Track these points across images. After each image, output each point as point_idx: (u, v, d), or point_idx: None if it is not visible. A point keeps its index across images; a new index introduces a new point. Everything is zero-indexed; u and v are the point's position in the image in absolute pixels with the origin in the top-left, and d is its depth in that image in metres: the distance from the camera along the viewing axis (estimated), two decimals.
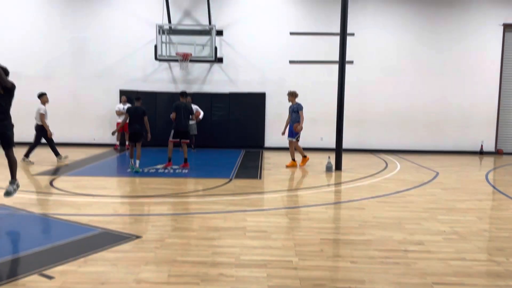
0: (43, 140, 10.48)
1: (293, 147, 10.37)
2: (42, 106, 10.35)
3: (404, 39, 13.97)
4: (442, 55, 13.99)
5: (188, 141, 9.79)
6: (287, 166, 10.23)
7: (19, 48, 13.78)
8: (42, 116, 10.16)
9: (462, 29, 13.93)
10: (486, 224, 5.69)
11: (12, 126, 5.85)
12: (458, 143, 14.18)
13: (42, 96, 10.52)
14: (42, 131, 10.29)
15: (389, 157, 12.73)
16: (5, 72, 5.78)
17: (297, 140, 10.27)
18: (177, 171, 9.33)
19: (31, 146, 10.27)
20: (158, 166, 9.65)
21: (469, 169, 10.70)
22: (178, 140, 9.54)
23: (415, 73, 14.03)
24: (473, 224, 5.57)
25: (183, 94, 9.88)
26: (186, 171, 9.30)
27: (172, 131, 9.49)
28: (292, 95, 10.25)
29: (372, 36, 13.89)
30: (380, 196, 7.21)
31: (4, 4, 13.76)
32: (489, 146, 14.22)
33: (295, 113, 10.11)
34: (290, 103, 10.32)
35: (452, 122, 14.13)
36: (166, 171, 9.25)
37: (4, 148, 5.73)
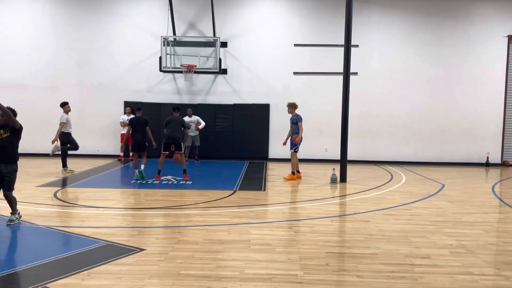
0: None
1: (296, 158, 10.27)
2: (65, 115, 10.58)
3: (408, 50, 13.99)
4: (447, 66, 13.98)
5: (181, 152, 9.65)
6: (285, 178, 10.12)
7: (26, 59, 13.93)
8: (61, 124, 10.45)
9: (467, 40, 13.94)
10: (493, 238, 5.61)
11: (16, 169, 5.81)
12: (463, 155, 14.09)
13: (64, 106, 10.79)
14: (68, 137, 10.60)
15: (394, 169, 12.67)
16: (14, 113, 5.89)
17: (295, 152, 10.12)
18: (181, 182, 9.32)
19: (64, 156, 10.69)
20: (162, 178, 9.64)
21: (475, 181, 10.61)
22: (167, 152, 9.54)
23: (420, 85, 14.02)
24: (480, 238, 5.50)
25: (175, 108, 10.04)
26: (190, 182, 9.29)
27: (162, 143, 9.57)
28: (292, 107, 10.17)
29: (376, 47, 13.93)
30: (385, 208, 7.15)
31: (11, 17, 13.93)
32: (495, 158, 14.12)
33: (295, 124, 10.05)
34: (290, 115, 10.24)
35: (457, 134, 14.07)
36: (170, 182, 9.25)
37: (4, 190, 5.71)
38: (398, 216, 6.63)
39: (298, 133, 9.99)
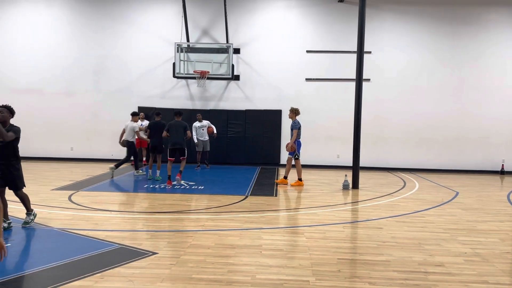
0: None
1: (299, 165, 10.08)
2: (136, 124, 10.98)
3: (421, 57, 13.90)
4: (460, 73, 13.85)
5: (185, 157, 9.67)
6: (292, 185, 10.00)
7: (43, 66, 14.21)
8: (137, 132, 10.88)
9: (480, 47, 13.80)
10: (509, 246, 5.51)
11: (18, 168, 5.71)
12: (478, 163, 13.90)
13: (134, 116, 11.22)
14: (131, 147, 10.85)
15: (407, 176, 12.55)
16: (11, 112, 5.71)
17: (296, 158, 9.93)
18: (193, 187, 9.37)
19: (124, 160, 10.99)
20: (174, 183, 9.70)
21: (489, 189, 10.45)
22: (173, 158, 9.59)
23: (433, 91, 13.90)
24: (495, 246, 5.41)
25: (177, 113, 9.99)
26: (180, 185, 9.49)
27: (168, 149, 9.65)
28: (293, 112, 10.00)
29: (389, 54, 13.87)
30: (398, 215, 7.09)
31: (28, 24, 14.24)
32: (511, 165, 13.89)
33: (292, 130, 9.98)
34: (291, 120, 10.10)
35: (471, 141, 13.89)
36: (182, 187, 9.31)
37: (14, 191, 5.74)
38: (411, 223, 6.56)
39: (294, 141, 9.82)
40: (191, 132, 11.58)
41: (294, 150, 9.87)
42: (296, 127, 9.86)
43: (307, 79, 13.95)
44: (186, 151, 9.72)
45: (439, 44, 13.87)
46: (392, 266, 4.54)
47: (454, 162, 13.91)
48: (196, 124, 12.76)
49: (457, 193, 9.55)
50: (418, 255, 4.96)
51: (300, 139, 10.10)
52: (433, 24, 13.87)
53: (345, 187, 9.70)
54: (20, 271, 4.14)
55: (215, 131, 12.90)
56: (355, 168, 9.90)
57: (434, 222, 6.68)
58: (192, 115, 13.91)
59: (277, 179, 10.57)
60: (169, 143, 9.67)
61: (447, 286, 4.04)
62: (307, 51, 13.95)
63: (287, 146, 9.92)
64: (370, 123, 13.38)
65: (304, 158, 14.04)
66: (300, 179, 10.06)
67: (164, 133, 9.66)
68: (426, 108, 13.89)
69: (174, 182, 9.61)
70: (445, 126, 13.89)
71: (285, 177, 10.16)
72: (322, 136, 14.06)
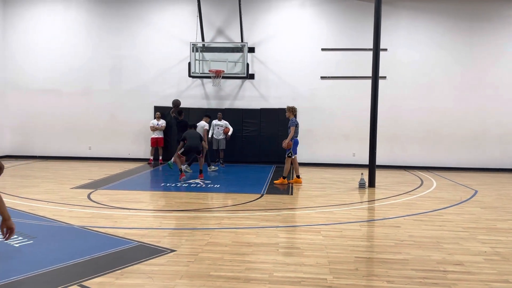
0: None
1: (296, 163, 10.10)
2: (206, 124, 11.88)
3: (439, 54, 13.71)
4: (479, 70, 13.61)
5: (201, 155, 10.46)
6: (289, 182, 10.01)
7: (61, 66, 14.47)
8: (205, 131, 11.63)
9: (499, 43, 13.53)
10: None
11: None
12: (497, 160, 13.65)
13: (205, 117, 12.23)
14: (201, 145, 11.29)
15: (424, 174, 12.41)
16: None
17: (289, 156, 9.90)
18: (209, 185, 9.44)
19: (193, 159, 11.63)
20: (191, 181, 9.80)
21: (509, 187, 10.26)
22: (184, 156, 10.24)
23: (451, 89, 13.70)
24: None
25: (192, 126, 10.78)
26: (203, 184, 9.60)
27: (183, 149, 10.10)
28: (289, 111, 10.04)
29: (405, 51, 13.72)
30: (416, 214, 7.02)
31: (47, 26, 14.51)
32: None
33: (289, 128, 9.93)
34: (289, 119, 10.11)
35: (490, 139, 13.65)
36: (199, 185, 9.39)
37: None
38: (430, 222, 6.50)
39: (290, 138, 9.79)
40: (207, 135, 12.34)
41: (290, 147, 9.84)
42: (293, 124, 9.86)
43: (322, 77, 13.90)
44: (201, 151, 10.34)
45: (456, 41, 13.66)
46: (410, 265, 4.51)
47: (473, 160, 13.69)
48: (215, 122, 12.97)
49: (476, 192, 9.41)
50: (437, 254, 4.92)
51: (298, 137, 10.14)
52: (450, 20, 13.66)
53: (362, 185, 9.65)
54: (42, 267, 4.24)
55: (229, 133, 13.05)
56: (372, 166, 9.84)
57: (452, 220, 6.60)
58: (207, 113, 14.02)
59: (291, 179, 10.47)
60: (185, 146, 10.13)
61: (466, 285, 4.00)
62: (322, 49, 13.89)
63: (283, 143, 9.91)
64: (386, 121, 13.27)
65: (319, 157, 14.06)
66: (284, 177, 9.96)
67: (181, 144, 10.16)
68: (444, 105, 13.70)
69: (207, 181, 9.97)
70: (463, 123, 13.68)
71: (284, 177, 10.04)
72: (338, 135, 14.00)
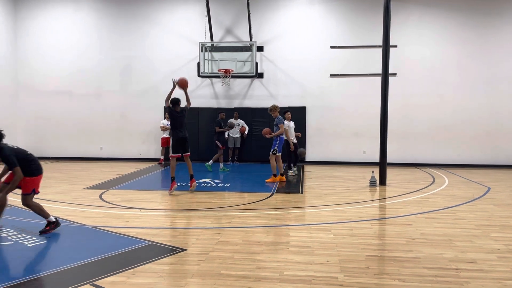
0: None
1: (280, 161, 10.07)
2: (287, 122, 10.80)
3: (450, 49, 13.55)
4: (491, 65, 13.42)
5: (189, 153, 8.61)
6: (266, 182, 9.91)
7: (72, 68, 14.63)
8: (286, 130, 10.58)
9: (511, 38, 13.33)
10: None
11: None
12: (510, 157, 13.46)
13: (286, 113, 11.02)
14: (288, 145, 10.84)
15: (435, 171, 12.29)
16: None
17: (273, 154, 9.89)
18: (219, 185, 9.46)
19: (294, 161, 11.34)
20: (201, 181, 9.83)
21: None
22: (179, 154, 8.58)
23: (462, 85, 13.54)
24: None
25: (175, 101, 8.63)
26: (194, 188, 8.63)
27: (171, 145, 8.74)
28: (275, 109, 10.01)
29: (415, 47, 13.59)
30: (427, 212, 6.96)
31: (58, 28, 14.67)
32: None
33: (276, 126, 9.91)
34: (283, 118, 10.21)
35: (503, 135, 13.46)
36: (209, 185, 9.41)
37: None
38: (442, 219, 6.44)
39: (278, 134, 9.82)
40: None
41: (264, 135, 9.94)
42: (281, 122, 9.88)
43: (331, 75, 13.83)
44: (188, 145, 8.67)
45: (467, 36, 13.49)
46: (422, 263, 4.47)
47: (485, 156, 13.52)
48: (232, 121, 13.11)
49: (489, 189, 9.29)
50: (449, 251, 4.87)
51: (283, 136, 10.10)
52: (460, 15, 13.49)
53: (372, 183, 9.59)
54: (55, 267, 4.29)
55: (246, 132, 13.25)
56: (382, 164, 9.77)
57: (465, 218, 6.53)
58: (217, 113, 14.04)
59: (302, 177, 10.51)
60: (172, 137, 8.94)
61: (479, 283, 3.95)
62: (331, 47, 13.80)
63: (266, 130, 10.02)
64: (397, 118, 13.18)
65: (329, 155, 14.01)
66: (275, 175, 9.89)
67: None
68: (455, 101, 13.55)
69: (218, 181, 9.95)
70: (475, 119, 13.51)
71: (275, 175, 9.99)
72: (348, 133, 13.93)
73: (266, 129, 10.15)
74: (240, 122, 13.33)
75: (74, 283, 3.89)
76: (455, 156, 13.57)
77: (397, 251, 4.89)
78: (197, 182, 9.63)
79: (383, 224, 6.28)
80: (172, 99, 8.63)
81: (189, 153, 8.67)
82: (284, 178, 10.18)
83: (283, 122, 10.02)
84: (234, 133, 13.23)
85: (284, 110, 11.09)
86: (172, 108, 8.61)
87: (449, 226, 6.05)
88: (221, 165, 11.84)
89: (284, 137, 10.40)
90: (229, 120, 12.42)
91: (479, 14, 13.40)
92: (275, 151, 9.95)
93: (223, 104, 14.36)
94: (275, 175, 9.95)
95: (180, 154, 8.62)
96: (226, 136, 13.13)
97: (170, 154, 8.77)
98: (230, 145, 13.33)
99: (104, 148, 14.75)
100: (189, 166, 8.65)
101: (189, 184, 8.74)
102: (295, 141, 11.11)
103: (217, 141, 11.80)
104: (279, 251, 4.86)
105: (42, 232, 5.45)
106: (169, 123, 13.59)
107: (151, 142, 14.49)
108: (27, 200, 5.49)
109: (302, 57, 13.99)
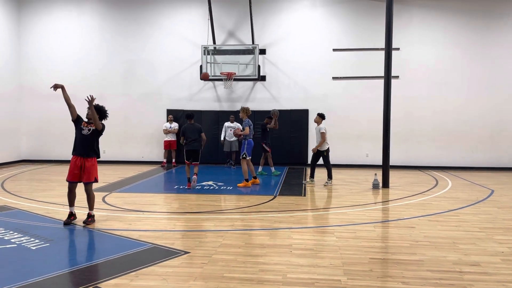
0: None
1: (250, 164, 9.80)
2: (322, 125, 10.21)
3: (452, 51, 13.53)
4: (494, 68, 13.38)
5: (198, 163, 9.40)
6: (238, 186, 9.64)
7: (75, 71, 14.66)
8: (322, 134, 10.08)
9: None
10: None
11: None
12: None
13: (320, 115, 10.35)
14: (320, 152, 10.21)
15: (438, 174, 12.25)
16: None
17: (243, 158, 9.66)
18: (221, 187, 9.47)
19: (329, 170, 10.19)
20: (203, 183, 9.84)
21: None
22: (191, 161, 9.36)
23: (465, 87, 13.50)
24: None
25: (189, 116, 9.64)
26: (216, 186, 9.18)
27: (184, 153, 9.44)
28: (244, 111, 9.80)
29: (418, 50, 13.58)
30: (431, 214, 6.94)
31: (61, 32, 14.73)
32: None
33: (244, 128, 9.76)
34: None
35: (507, 138, 13.40)
36: (211, 188, 9.43)
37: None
38: (445, 222, 6.41)
39: (245, 137, 9.71)
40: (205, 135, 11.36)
41: (241, 135, 9.86)
42: (247, 125, 9.71)
43: (334, 78, 13.83)
44: (199, 155, 9.43)
45: (470, 38, 13.46)
46: (426, 266, 4.46)
47: (489, 159, 13.47)
48: (227, 124, 13.15)
49: (492, 191, 9.25)
50: (453, 254, 4.85)
51: (252, 139, 9.92)
52: (463, 18, 13.48)
53: (375, 186, 9.57)
54: (58, 270, 4.30)
55: (239, 133, 12.99)
56: (385, 167, 9.76)
57: (468, 221, 6.51)
58: (219, 116, 14.12)
59: (305, 180, 10.49)
60: (184, 146, 9.46)
61: (483, 285, 3.93)
62: (334, 50, 13.83)
63: (236, 131, 10.34)
64: (399, 121, 13.16)
65: (332, 158, 13.89)
66: (247, 180, 9.65)
67: (182, 139, 9.48)
68: (458, 104, 13.51)
69: (220, 183, 9.93)
70: (479, 122, 13.46)
71: (254, 177, 9.90)
72: (351, 135, 13.91)
73: (236, 132, 10.41)
74: (236, 125, 13.24)
75: (77, 285, 3.90)
76: (458, 159, 13.53)
77: (401, 254, 4.87)
78: (200, 185, 9.65)
79: (387, 226, 6.26)
80: (188, 113, 9.87)
81: (198, 162, 9.49)
82: (257, 181, 9.96)
83: (249, 125, 9.76)
84: (230, 137, 13.06)
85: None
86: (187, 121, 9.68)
87: (453, 228, 6.03)
88: (273, 169, 11.85)
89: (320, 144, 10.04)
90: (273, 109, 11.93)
91: (482, 16, 13.38)
92: (244, 155, 9.72)
93: (225, 107, 14.37)
94: (247, 180, 9.68)
95: (190, 162, 9.44)
96: (222, 139, 13.15)
97: (185, 160, 9.57)
98: (226, 149, 13.26)
99: (107, 151, 14.75)
100: (195, 170, 9.43)
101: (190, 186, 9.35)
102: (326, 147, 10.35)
103: (263, 144, 11.66)
104: (282, 253, 4.85)
105: (85, 223, 6.12)
106: (171, 126, 13.77)
107: (153, 145, 14.51)
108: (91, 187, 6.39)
109: (305, 59, 14.00)
